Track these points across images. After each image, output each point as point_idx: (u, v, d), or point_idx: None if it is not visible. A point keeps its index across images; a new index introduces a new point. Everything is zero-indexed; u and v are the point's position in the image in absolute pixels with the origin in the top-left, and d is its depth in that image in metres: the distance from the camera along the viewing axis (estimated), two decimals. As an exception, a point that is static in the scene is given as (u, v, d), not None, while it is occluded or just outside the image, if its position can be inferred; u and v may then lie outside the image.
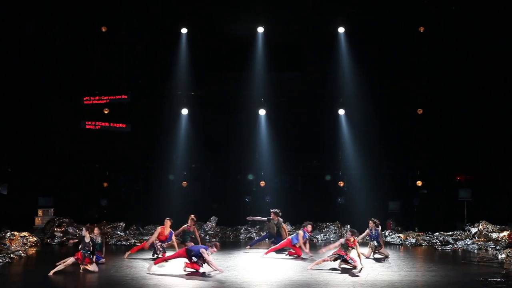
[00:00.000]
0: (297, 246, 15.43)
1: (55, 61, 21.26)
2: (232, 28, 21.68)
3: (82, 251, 13.16)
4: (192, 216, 16.42)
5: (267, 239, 17.30)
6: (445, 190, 21.35)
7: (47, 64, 21.22)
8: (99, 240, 14.25)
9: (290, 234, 16.54)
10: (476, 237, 17.84)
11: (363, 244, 15.75)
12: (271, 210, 16.78)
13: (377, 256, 15.31)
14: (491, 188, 20.70)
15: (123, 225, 19.69)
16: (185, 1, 21.08)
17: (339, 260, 13.55)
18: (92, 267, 13.18)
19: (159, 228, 15.27)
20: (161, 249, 15.02)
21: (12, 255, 14.87)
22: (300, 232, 15.36)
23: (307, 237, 15.51)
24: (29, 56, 21.05)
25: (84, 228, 13.62)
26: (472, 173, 21.19)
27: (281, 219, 16.59)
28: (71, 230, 18.55)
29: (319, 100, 21.80)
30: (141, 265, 14.13)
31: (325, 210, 21.16)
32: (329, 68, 21.34)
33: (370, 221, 15.40)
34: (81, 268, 13.14)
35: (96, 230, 14.31)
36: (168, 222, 15.31)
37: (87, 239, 13.28)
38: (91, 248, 13.20)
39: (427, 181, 21.50)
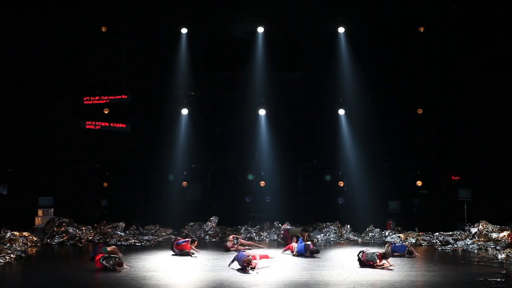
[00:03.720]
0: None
1: (55, 61, 21.26)
2: (232, 28, 21.69)
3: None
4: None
5: None
6: (445, 190, 21.36)
7: (47, 64, 21.21)
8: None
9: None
10: (476, 237, 17.83)
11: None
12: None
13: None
14: (491, 188, 20.70)
15: (123, 225, 19.68)
16: (185, 1, 21.09)
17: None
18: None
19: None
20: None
21: (12, 255, 14.88)
22: (307, 244, 15.60)
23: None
24: (29, 56, 21.04)
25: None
26: (472, 173, 21.18)
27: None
28: (71, 230, 18.54)
29: (319, 100, 21.81)
30: (141, 265, 14.13)
31: (325, 210, 21.16)
32: (329, 68, 21.35)
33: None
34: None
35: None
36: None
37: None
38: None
39: (427, 181, 21.50)
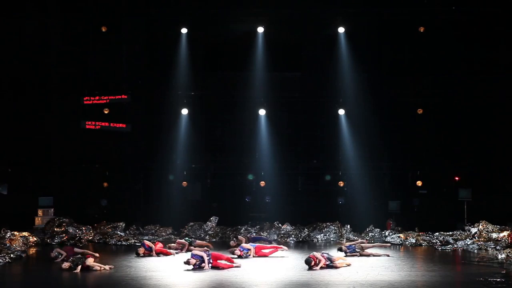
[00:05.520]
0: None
1: (55, 61, 21.26)
2: (232, 28, 21.68)
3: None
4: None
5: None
6: (445, 190, 21.36)
7: (47, 64, 21.22)
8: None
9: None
10: (476, 237, 17.83)
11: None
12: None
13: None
14: (491, 188, 20.70)
15: (123, 225, 19.70)
16: (185, 1, 21.09)
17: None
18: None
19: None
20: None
21: (12, 255, 14.88)
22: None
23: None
24: (29, 56, 21.04)
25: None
26: (472, 173, 21.17)
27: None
28: (71, 230, 18.55)
29: (319, 100, 21.80)
30: (141, 265, 14.14)
31: (325, 210, 21.16)
32: (329, 68, 21.33)
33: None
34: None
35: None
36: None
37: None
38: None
39: (427, 181, 21.50)
